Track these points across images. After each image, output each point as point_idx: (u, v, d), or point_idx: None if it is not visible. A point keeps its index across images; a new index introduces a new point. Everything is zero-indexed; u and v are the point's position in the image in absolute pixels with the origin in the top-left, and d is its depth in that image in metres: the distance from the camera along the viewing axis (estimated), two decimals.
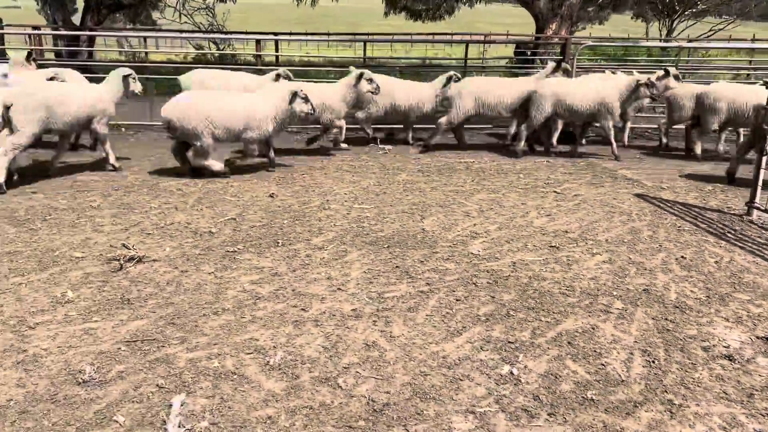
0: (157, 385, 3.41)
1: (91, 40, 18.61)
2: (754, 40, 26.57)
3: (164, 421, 3.09)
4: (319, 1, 26.60)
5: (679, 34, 22.62)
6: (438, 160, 9.35)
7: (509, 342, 3.94)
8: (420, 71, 18.36)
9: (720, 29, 22.26)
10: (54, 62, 14.76)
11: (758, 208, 6.59)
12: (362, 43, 13.52)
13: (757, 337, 4.07)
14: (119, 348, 3.79)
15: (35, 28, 16.80)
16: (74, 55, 17.46)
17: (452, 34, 25.69)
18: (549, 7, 18.07)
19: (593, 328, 4.14)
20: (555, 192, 7.56)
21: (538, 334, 4.06)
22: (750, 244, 5.85)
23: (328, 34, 23.52)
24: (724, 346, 3.94)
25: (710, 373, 3.64)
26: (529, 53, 19.04)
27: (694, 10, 22.14)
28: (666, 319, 4.30)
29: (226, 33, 19.92)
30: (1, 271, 4.89)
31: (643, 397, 3.39)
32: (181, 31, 20.10)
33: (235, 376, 3.52)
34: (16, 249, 5.37)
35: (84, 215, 6.32)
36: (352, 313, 4.31)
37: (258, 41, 11.86)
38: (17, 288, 4.60)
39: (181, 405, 3.20)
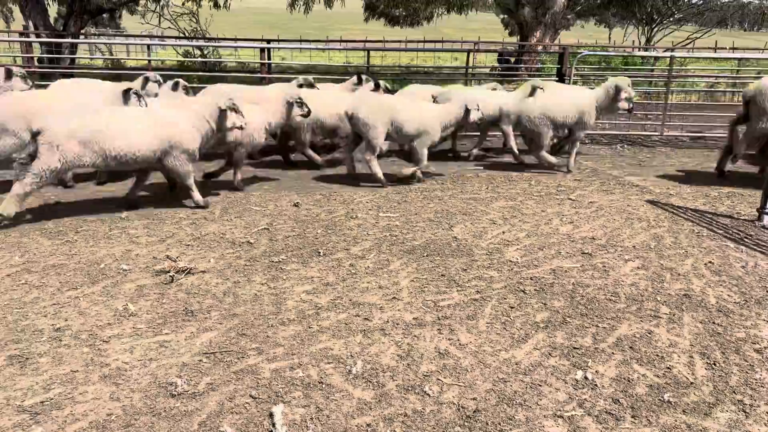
0: (251, 396, 3.48)
1: (73, 46, 18.35)
2: (716, 49, 27.40)
3: (270, 431, 3.18)
4: (300, 7, 26.71)
5: (657, 42, 23.25)
6: (444, 168, 9.53)
7: (574, 348, 4.11)
8: (414, 80, 18.51)
9: (697, 38, 22.95)
10: (38, 69, 14.56)
11: None
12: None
13: None
14: (200, 360, 3.85)
15: (22, 34, 16.49)
16: (57, 61, 17.22)
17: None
18: (533, 16, 18.48)
19: (649, 333, 4.33)
20: (570, 199, 7.78)
21: (599, 339, 4.23)
22: None
23: (333, 42, 23.55)
24: None
25: None
26: (513, 61, 19.43)
27: (671, 19, 22.83)
28: (713, 323, 4.51)
29: (211, 39, 19.87)
30: (53, 284, 4.90)
31: (715, 398, 3.58)
32: (185, 38, 20.00)
33: (323, 385, 3.61)
34: (59, 262, 5.36)
35: (116, 226, 6.31)
36: (415, 322, 4.43)
37: (263, 50, 11.91)
38: (75, 301, 4.61)
39: (282, 415, 3.29)
